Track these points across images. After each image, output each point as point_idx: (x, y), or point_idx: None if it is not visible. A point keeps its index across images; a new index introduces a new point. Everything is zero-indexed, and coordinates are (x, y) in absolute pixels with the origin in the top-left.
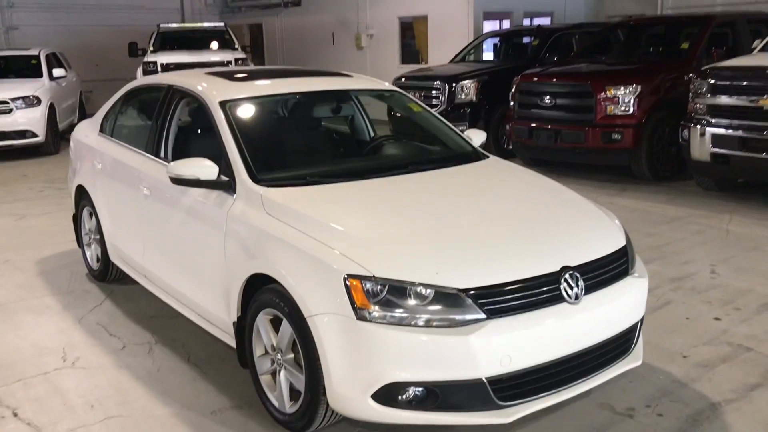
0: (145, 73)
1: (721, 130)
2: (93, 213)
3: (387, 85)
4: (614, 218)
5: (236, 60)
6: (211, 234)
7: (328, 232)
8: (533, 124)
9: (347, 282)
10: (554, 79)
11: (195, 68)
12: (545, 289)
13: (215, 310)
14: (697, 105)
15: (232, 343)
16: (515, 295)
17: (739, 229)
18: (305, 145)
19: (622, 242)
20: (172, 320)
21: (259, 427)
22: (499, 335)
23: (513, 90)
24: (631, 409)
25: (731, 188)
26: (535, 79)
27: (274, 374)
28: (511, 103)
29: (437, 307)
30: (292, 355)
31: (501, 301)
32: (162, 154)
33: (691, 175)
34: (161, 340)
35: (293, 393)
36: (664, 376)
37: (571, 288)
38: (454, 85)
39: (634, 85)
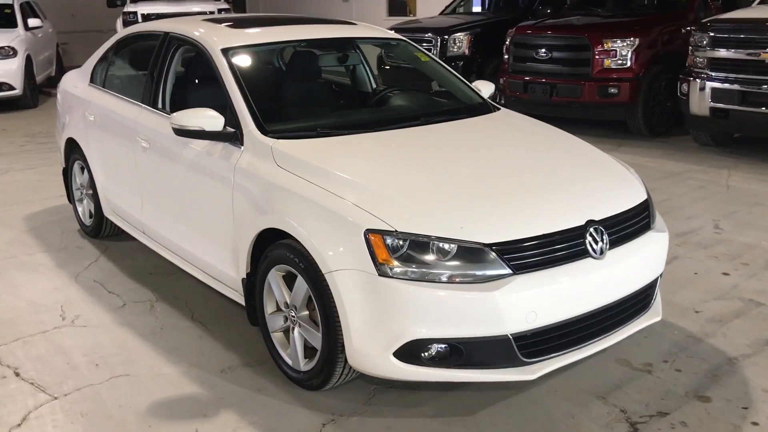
0: (125, 24)
1: (721, 84)
2: (85, 167)
3: (393, 34)
4: (633, 172)
5: (219, 10)
6: (217, 188)
7: (346, 186)
8: (528, 78)
9: (368, 237)
10: (550, 32)
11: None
12: (570, 243)
13: (222, 267)
14: (697, 58)
15: (241, 300)
16: (541, 250)
17: (739, 184)
18: (312, 96)
19: (644, 196)
20: (172, 276)
21: (272, 384)
22: (525, 291)
23: (507, 43)
24: (649, 365)
25: (727, 143)
26: (531, 32)
27: (286, 331)
28: (505, 57)
29: (461, 263)
30: (307, 312)
31: (527, 256)
32: (160, 104)
33: (687, 130)
34: (162, 298)
35: (308, 350)
36: (678, 331)
37: (596, 242)
38: (446, 37)
39: (631, 38)
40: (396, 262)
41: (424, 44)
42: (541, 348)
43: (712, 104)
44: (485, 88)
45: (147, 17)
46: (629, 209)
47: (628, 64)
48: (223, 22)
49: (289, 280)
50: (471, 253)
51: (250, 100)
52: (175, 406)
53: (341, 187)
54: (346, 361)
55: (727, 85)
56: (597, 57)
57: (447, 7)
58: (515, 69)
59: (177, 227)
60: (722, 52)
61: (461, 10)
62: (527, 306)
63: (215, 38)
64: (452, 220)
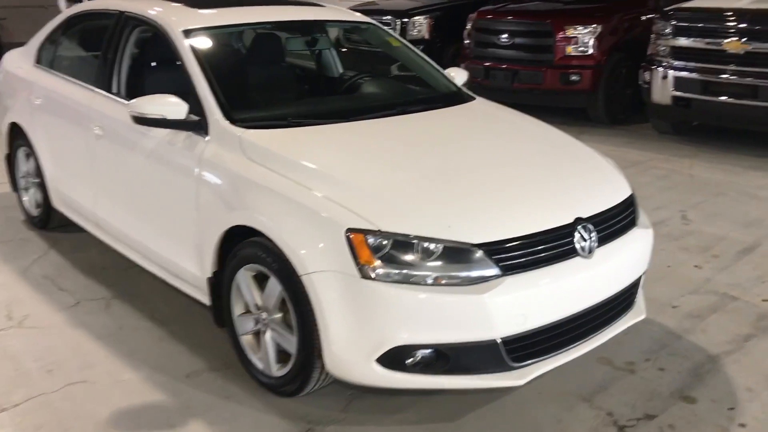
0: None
1: (684, 73)
2: (31, 154)
3: (362, 17)
4: (616, 166)
5: None
6: (180, 180)
7: (324, 181)
8: (490, 64)
9: (349, 236)
10: (513, 17)
11: None
12: (559, 242)
13: (185, 264)
14: (659, 47)
15: (205, 300)
16: (530, 250)
17: (702, 173)
18: (280, 82)
19: (629, 191)
20: (129, 272)
21: (241, 391)
22: (514, 293)
23: (468, 27)
24: (631, 363)
25: (687, 131)
26: (493, 17)
27: (256, 334)
28: (467, 41)
29: (448, 263)
30: (280, 315)
31: (516, 256)
32: (115, 89)
33: (646, 118)
34: (119, 295)
35: (280, 354)
36: (657, 327)
37: (585, 240)
38: (406, 20)
39: (594, 25)
40: (379, 264)
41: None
42: (529, 351)
43: (675, 93)
44: (459, 76)
45: None
46: (616, 205)
47: (590, 51)
48: (181, 1)
49: (260, 281)
50: (458, 253)
51: (215, 87)
52: (138, 415)
53: (319, 182)
54: (323, 366)
55: (689, 74)
56: (559, 44)
57: None
58: (476, 54)
59: (135, 221)
60: (685, 41)
61: None
62: (517, 309)
63: (176, 19)
64: (439, 218)
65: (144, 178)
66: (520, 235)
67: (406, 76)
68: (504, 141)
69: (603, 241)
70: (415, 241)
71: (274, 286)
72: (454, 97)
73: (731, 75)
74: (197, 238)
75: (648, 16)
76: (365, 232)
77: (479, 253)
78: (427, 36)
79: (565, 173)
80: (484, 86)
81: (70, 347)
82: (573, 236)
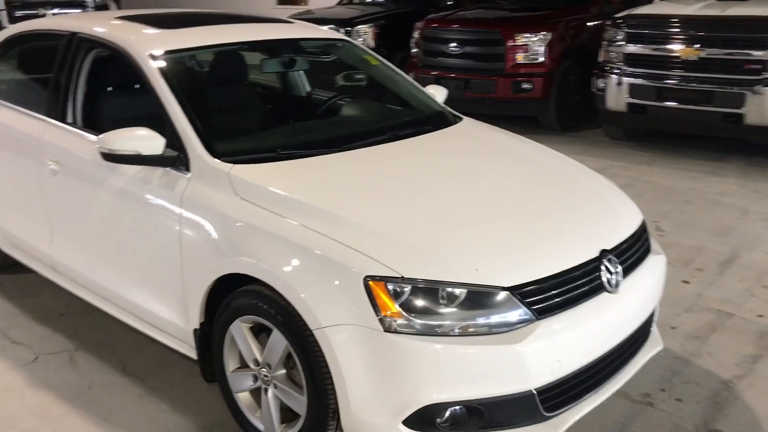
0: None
1: (639, 80)
2: None
3: (338, 34)
4: (619, 189)
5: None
6: (159, 222)
7: (333, 222)
8: (439, 73)
9: (368, 285)
10: (461, 26)
11: (48, 8)
12: (588, 279)
13: (164, 314)
14: (612, 54)
15: (191, 354)
16: (561, 290)
17: (664, 180)
18: (260, 108)
19: (641, 216)
20: (89, 317)
21: None
22: (550, 339)
23: (416, 36)
24: (647, 395)
25: (639, 137)
26: (442, 25)
27: (254, 391)
28: (415, 50)
29: (477, 310)
30: (284, 371)
31: (548, 297)
32: (70, 118)
33: (596, 124)
34: (82, 346)
35: (284, 413)
36: (664, 353)
37: (611, 274)
38: (349, 30)
39: (544, 33)
40: (402, 314)
41: None
42: (563, 398)
43: (630, 100)
44: (439, 94)
45: (10, 3)
46: (634, 233)
47: (541, 59)
48: (138, 20)
49: (257, 332)
50: (487, 297)
51: (193, 117)
52: None
53: (326, 223)
54: (337, 427)
55: (644, 81)
56: (510, 52)
57: None
58: (426, 63)
59: (102, 266)
60: (638, 48)
61: (357, 0)
62: (552, 355)
63: (141, 41)
64: (464, 260)
65: (113, 219)
66: (550, 274)
67: (387, 97)
68: (511, 169)
69: (626, 272)
70: (441, 286)
71: (279, 340)
72: (441, 118)
73: (686, 81)
74: (181, 286)
75: (594, 23)
76: (386, 279)
77: (510, 297)
78: (372, 45)
79: (580, 202)
80: None
81: (35, 413)
82: (599, 270)
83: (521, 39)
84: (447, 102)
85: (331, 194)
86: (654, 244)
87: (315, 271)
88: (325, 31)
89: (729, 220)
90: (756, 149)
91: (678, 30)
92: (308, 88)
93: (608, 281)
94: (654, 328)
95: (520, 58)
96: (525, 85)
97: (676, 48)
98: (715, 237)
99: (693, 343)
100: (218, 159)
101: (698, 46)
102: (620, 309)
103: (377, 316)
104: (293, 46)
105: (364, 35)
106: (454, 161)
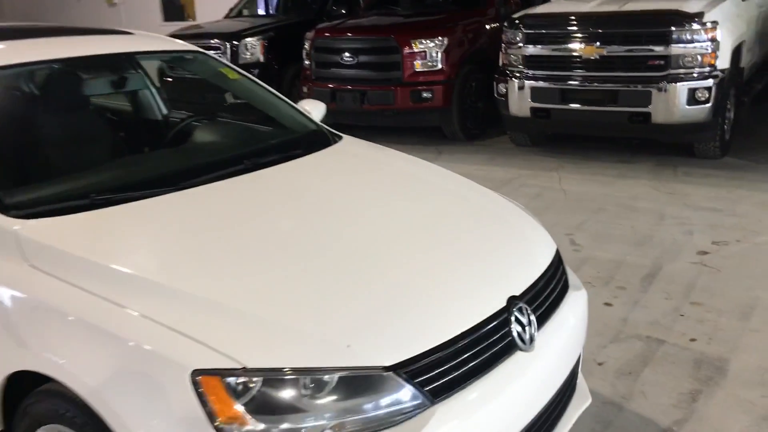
0: None
1: (541, 83)
2: None
3: (187, 45)
4: (525, 209)
5: None
6: None
7: (152, 296)
8: (334, 85)
9: (198, 381)
10: (353, 34)
11: None
12: (495, 338)
13: None
14: (511, 56)
15: None
16: (463, 357)
17: (574, 187)
18: (78, 142)
19: (554, 246)
20: None
21: None
22: (451, 425)
23: (307, 47)
24: None
25: (544, 142)
26: (332, 35)
27: None
28: (307, 62)
29: (356, 400)
30: None
31: (446, 371)
32: None
33: (501, 130)
34: None
35: None
36: (592, 397)
37: (523, 327)
38: (236, 43)
39: (440, 38)
40: (248, 418)
41: (212, 52)
42: None
43: (533, 104)
44: (316, 110)
45: None
46: (547, 269)
47: (440, 65)
48: None
49: None
50: (365, 382)
51: None
52: None
53: (144, 297)
54: None
55: (546, 84)
56: (407, 59)
57: (231, 10)
58: (319, 76)
59: None
60: (537, 49)
61: (246, 12)
62: None
63: None
64: (331, 336)
65: None
66: (447, 340)
67: (251, 116)
68: (397, 200)
69: (541, 319)
70: (301, 375)
71: None
72: (315, 139)
73: (589, 81)
74: None
75: (492, 25)
76: (223, 372)
77: (394, 378)
78: (261, 59)
79: (481, 236)
80: (330, 110)
81: None
82: (510, 324)
83: (418, 45)
84: (342, 115)
85: (153, 253)
86: (572, 278)
87: (125, 365)
88: (171, 42)
89: (646, 227)
90: (664, 148)
91: (577, 28)
92: (164, 111)
93: (520, 336)
94: (580, 379)
95: (417, 65)
96: (425, 94)
97: (577, 47)
98: (634, 248)
99: (624, 382)
100: (5, 214)
101: (598, 44)
102: (539, 367)
103: (212, 423)
104: (125, 62)
105: (252, 49)
106: (325, 196)
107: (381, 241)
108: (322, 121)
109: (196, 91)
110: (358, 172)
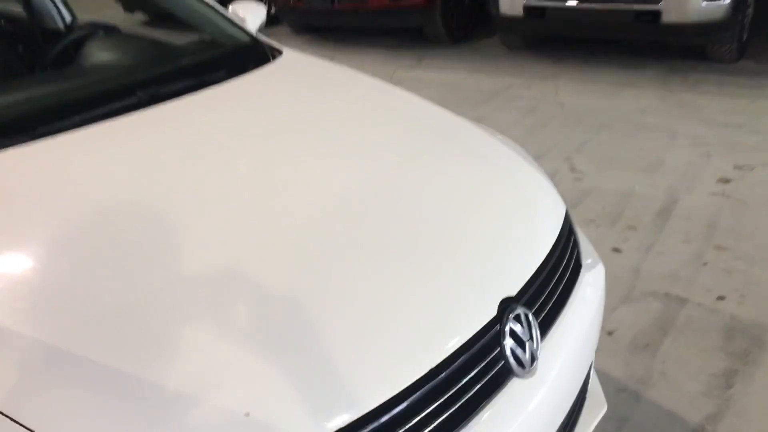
0: None
1: None
2: None
3: None
4: (524, 153)
5: None
6: None
7: None
8: None
9: None
10: None
11: None
12: (485, 363)
13: None
14: None
15: None
16: (434, 406)
17: (574, 99)
18: None
19: (563, 208)
20: None
21: None
22: None
23: None
24: None
25: (540, 46)
26: None
27: None
28: None
29: None
30: None
31: (414, 426)
32: None
33: (491, 31)
34: None
35: None
36: (602, 381)
37: (520, 342)
38: None
39: None
40: None
41: None
42: None
43: (526, 2)
44: (252, 16)
45: None
46: (553, 246)
47: None
48: None
49: None
50: None
51: None
52: None
53: None
54: None
55: None
56: None
57: None
58: None
59: None
60: None
61: None
62: None
63: None
64: (225, 397)
65: None
66: (413, 382)
67: (167, 25)
68: (353, 149)
69: (546, 325)
70: None
71: None
72: (246, 56)
73: None
74: None
75: None
76: None
77: None
78: None
79: (467, 203)
80: (297, 10)
81: None
82: (502, 342)
83: None
84: (311, 15)
85: None
86: (586, 246)
87: None
88: None
89: (656, 148)
90: (674, 53)
91: None
92: (67, 19)
93: (516, 357)
94: (594, 380)
95: None
96: None
97: None
98: (644, 175)
99: (640, 359)
100: None
101: None
102: (545, 393)
103: None
104: None
105: None
106: (241, 140)
107: (316, 218)
108: (260, 29)
109: None
110: (292, 101)
